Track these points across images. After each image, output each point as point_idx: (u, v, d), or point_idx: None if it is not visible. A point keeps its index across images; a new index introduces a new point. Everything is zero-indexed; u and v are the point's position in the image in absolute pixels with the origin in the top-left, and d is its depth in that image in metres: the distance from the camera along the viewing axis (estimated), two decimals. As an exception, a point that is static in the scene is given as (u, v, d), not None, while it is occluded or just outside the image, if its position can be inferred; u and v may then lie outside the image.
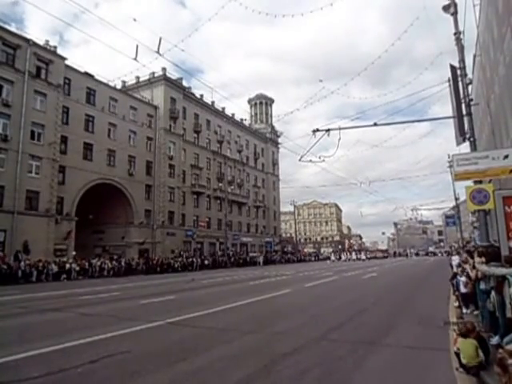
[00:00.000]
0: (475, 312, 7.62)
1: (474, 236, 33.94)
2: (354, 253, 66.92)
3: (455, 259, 14.86)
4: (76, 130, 32.07)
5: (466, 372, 4.30)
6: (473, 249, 10.35)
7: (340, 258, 61.68)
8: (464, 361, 4.34)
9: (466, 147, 10.14)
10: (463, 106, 9.78)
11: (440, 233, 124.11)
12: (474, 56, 20.31)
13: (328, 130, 12.75)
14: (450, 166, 29.49)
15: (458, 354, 4.49)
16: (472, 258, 8.25)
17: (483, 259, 5.93)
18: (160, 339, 6.25)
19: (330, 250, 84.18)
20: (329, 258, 62.58)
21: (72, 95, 32.05)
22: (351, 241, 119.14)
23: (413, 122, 14.43)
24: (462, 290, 8.54)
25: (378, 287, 15.40)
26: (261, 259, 46.07)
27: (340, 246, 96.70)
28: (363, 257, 62.06)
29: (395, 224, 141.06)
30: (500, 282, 5.10)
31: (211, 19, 16.28)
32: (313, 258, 64.63)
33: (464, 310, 8.22)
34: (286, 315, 8.50)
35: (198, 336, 6.41)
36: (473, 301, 7.74)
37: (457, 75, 9.87)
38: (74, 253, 28.44)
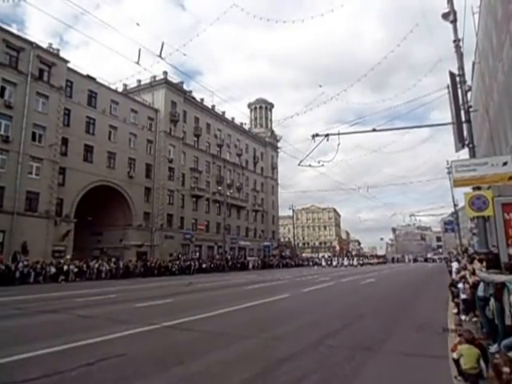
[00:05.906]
0: (474, 319, 7.57)
1: (472, 242, 33.92)
2: (345, 258, 64.14)
3: (455, 265, 14.80)
4: (77, 132, 32.17)
5: (465, 380, 4.26)
6: (474, 255, 10.32)
7: (331, 263, 58.37)
8: (466, 366, 4.25)
9: (465, 153, 10.19)
10: (462, 112, 9.83)
11: (438, 239, 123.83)
12: (473, 63, 20.43)
13: (327, 135, 12.80)
14: (449, 173, 29.55)
15: (457, 362, 4.43)
16: (471, 263, 8.24)
17: (483, 265, 5.91)
18: (156, 343, 6.20)
19: (323, 255, 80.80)
20: (317, 264, 58.64)
21: (73, 97, 32.21)
22: (349, 245, 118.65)
23: (412, 127, 14.55)
24: (462, 296, 8.51)
25: (376, 293, 15.33)
26: (251, 264, 44.48)
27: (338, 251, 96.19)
28: (355, 263, 57.83)
29: (393, 230, 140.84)
30: (499, 289, 5.07)
31: (213, 24, 16.38)
32: (311, 263, 64.15)
33: (463, 317, 8.17)
34: (283, 320, 8.44)
35: (195, 340, 6.37)
36: (472, 308, 7.70)
37: (456, 82, 9.95)
38: (68, 256, 28.12)
